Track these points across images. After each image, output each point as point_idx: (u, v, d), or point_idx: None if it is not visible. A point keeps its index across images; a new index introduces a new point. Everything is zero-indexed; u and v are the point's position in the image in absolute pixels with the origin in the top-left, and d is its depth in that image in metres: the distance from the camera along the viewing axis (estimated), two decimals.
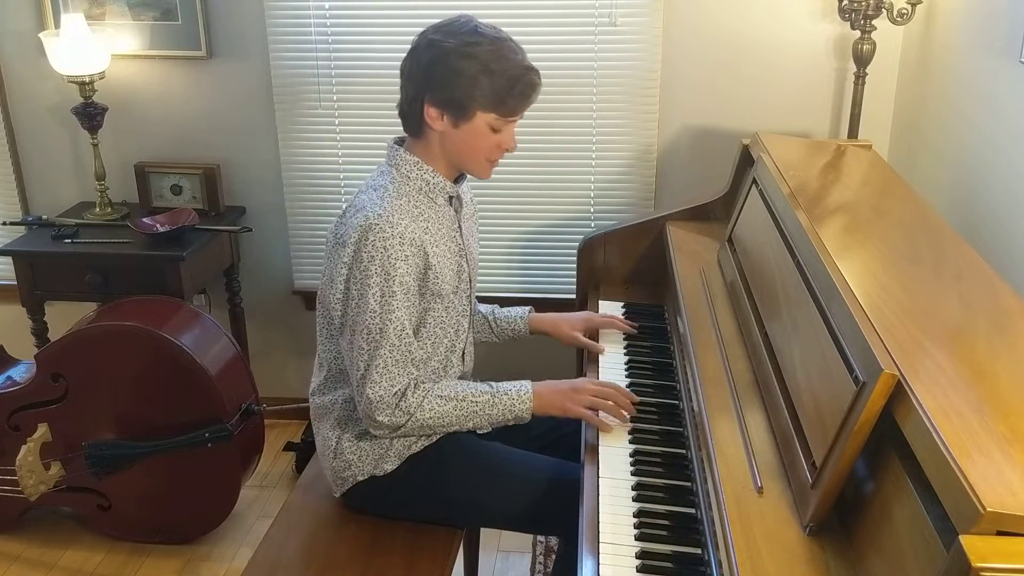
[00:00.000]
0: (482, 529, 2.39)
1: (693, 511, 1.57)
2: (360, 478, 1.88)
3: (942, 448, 1.07)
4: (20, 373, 2.68)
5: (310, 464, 2.12)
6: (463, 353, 1.96)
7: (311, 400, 1.95)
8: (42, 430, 2.54)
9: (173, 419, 2.52)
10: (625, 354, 2.10)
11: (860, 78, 2.61)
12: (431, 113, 1.74)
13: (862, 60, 2.58)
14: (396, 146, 1.83)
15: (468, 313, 1.95)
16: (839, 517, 1.32)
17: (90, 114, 2.87)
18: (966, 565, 0.94)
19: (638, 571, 1.44)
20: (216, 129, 3.02)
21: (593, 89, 2.83)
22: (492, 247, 3.03)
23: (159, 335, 2.47)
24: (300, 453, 3.02)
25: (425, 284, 1.78)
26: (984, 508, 0.97)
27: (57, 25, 2.86)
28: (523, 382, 1.85)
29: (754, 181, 2.14)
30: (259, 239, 3.13)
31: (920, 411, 1.14)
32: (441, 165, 1.82)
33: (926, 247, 1.75)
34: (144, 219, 2.89)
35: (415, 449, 1.87)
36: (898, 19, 2.50)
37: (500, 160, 1.85)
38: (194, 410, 2.51)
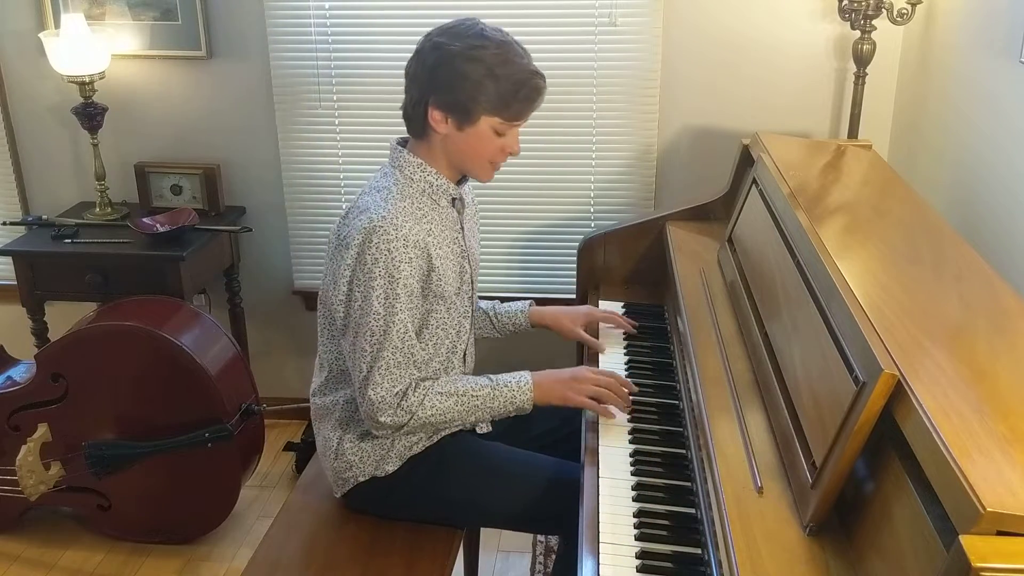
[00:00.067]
0: (482, 529, 2.39)
1: (693, 511, 1.57)
2: (361, 479, 1.88)
3: (942, 448, 1.07)
4: (20, 373, 2.69)
5: (310, 464, 2.12)
6: (464, 354, 1.96)
7: (312, 401, 1.95)
8: (42, 430, 2.54)
9: (173, 419, 2.52)
10: (625, 354, 2.10)
11: (860, 78, 2.61)
12: (435, 116, 1.74)
13: (862, 60, 2.58)
14: (399, 147, 1.83)
15: (470, 314, 1.95)
16: (839, 517, 1.32)
17: (90, 114, 2.87)
18: (966, 565, 0.94)
19: (638, 571, 1.44)
20: (216, 129, 3.02)
21: (593, 89, 2.83)
22: (493, 247, 3.03)
23: (159, 335, 2.47)
24: (300, 453, 3.02)
25: (428, 286, 1.78)
26: (984, 508, 0.97)
27: (57, 25, 2.86)
28: (522, 373, 1.85)
29: (754, 181, 2.14)
30: (259, 239, 3.13)
31: (920, 411, 1.14)
32: (444, 167, 1.82)
33: (926, 247, 1.75)
34: (144, 219, 2.89)
35: (416, 450, 1.87)
36: (898, 19, 2.50)
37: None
38: (194, 410, 2.51)
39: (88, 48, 2.76)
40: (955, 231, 1.81)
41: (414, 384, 1.78)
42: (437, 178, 1.81)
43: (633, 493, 1.62)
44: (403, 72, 1.80)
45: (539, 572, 2.61)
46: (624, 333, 2.18)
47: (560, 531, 1.91)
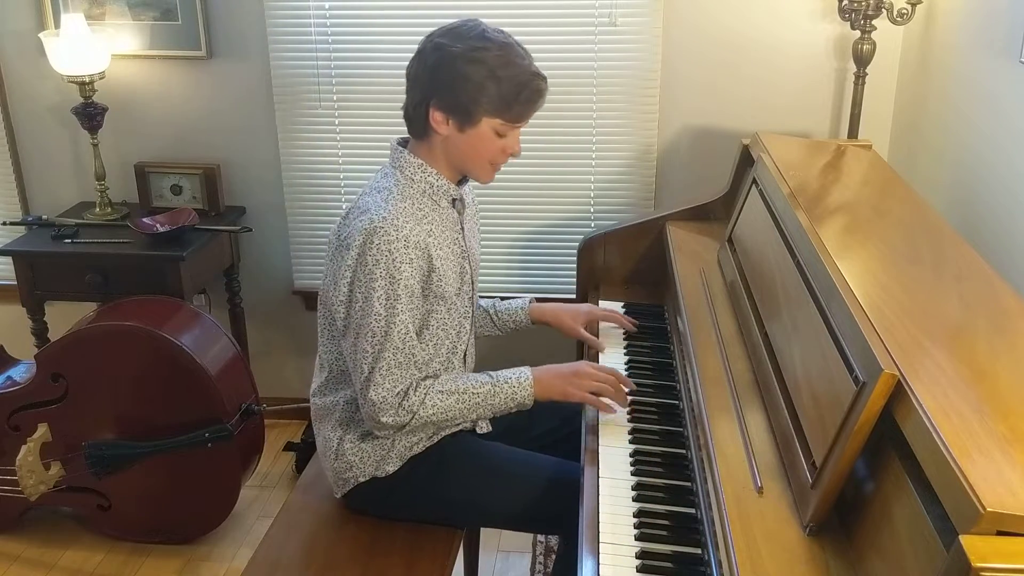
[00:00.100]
0: (482, 529, 2.39)
1: (693, 511, 1.57)
2: (361, 479, 1.88)
3: (942, 448, 1.07)
4: (20, 373, 2.69)
5: (310, 464, 2.12)
6: (464, 354, 1.96)
7: (312, 401, 1.95)
8: (42, 430, 2.54)
9: (173, 419, 2.52)
10: (625, 354, 2.10)
11: (860, 78, 2.61)
12: (436, 117, 1.74)
13: (862, 60, 2.58)
14: (400, 148, 1.83)
15: (470, 315, 1.95)
16: (839, 517, 1.32)
17: (90, 114, 2.87)
18: (966, 565, 0.94)
19: (638, 571, 1.44)
20: (216, 129, 3.02)
21: (593, 89, 2.83)
22: (493, 247, 3.03)
23: (159, 335, 2.47)
24: (300, 453, 3.02)
25: (428, 287, 1.78)
26: (984, 508, 0.97)
27: (57, 25, 2.86)
28: (522, 368, 1.85)
29: (754, 181, 2.14)
30: (259, 239, 3.13)
31: (920, 411, 1.14)
32: (444, 168, 1.82)
33: (926, 247, 1.75)
34: (144, 219, 2.89)
35: (416, 450, 1.87)
36: (898, 19, 2.50)
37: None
38: (194, 410, 2.51)
39: (88, 48, 2.76)
40: (955, 231, 1.81)
41: (415, 384, 1.78)
42: (437, 179, 1.81)
43: (633, 493, 1.62)
44: (403, 73, 1.80)
45: (539, 572, 2.61)
46: (624, 332, 2.18)
47: (560, 531, 1.91)
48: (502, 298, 2.20)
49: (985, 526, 0.97)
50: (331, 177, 3.02)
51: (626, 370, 2.03)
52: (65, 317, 2.92)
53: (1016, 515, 0.97)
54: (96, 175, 2.97)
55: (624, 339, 2.16)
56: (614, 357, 2.08)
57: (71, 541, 2.73)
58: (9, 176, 3.12)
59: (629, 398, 1.87)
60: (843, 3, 2.56)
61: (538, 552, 2.68)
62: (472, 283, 1.93)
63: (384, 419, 1.75)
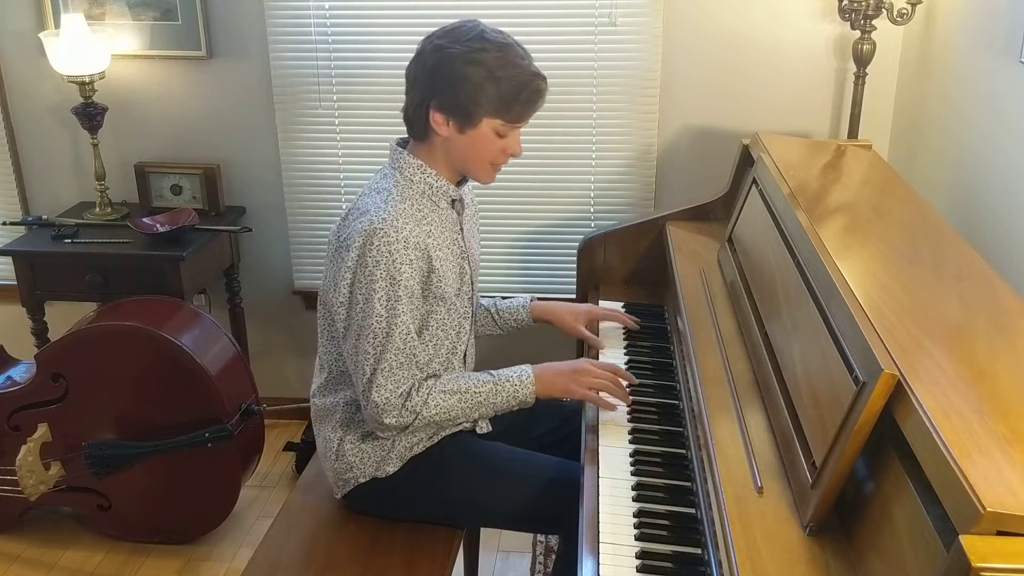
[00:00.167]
0: (482, 529, 2.39)
1: (693, 511, 1.57)
2: (362, 480, 1.88)
3: (942, 448, 1.07)
4: (20, 373, 2.69)
5: (310, 464, 2.12)
6: (464, 355, 1.96)
7: (312, 402, 1.95)
8: (42, 430, 2.54)
9: (173, 419, 2.52)
10: (625, 354, 2.10)
11: (860, 78, 2.61)
12: (436, 119, 1.74)
13: (862, 60, 2.58)
14: (399, 148, 1.83)
15: (470, 315, 1.95)
16: (839, 517, 1.32)
17: (90, 114, 2.87)
18: (966, 565, 0.94)
19: (638, 571, 1.44)
20: (216, 129, 3.02)
21: (593, 89, 2.83)
22: (493, 247, 3.03)
23: (159, 335, 2.47)
24: (300, 453, 3.02)
25: (428, 287, 1.78)
26: (984, 508, 0.97)
27: (57, 25, 2.86)
28: (523, 367, 1.85)
29: (754, 181, 2.14)
30: (259, 239, 3.13)
31: (920, 411, 1.14)
32: (444, 168, 1.82)
33: (926, 247, 1.75)
34: (144, 219, 2.89)
35: (417, 450, 1.87)
36: (898, 19, 2.50)
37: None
38: (194, 410, 2.51)
39: (88, 48, 2.76)
40: (955, 231, 1.81)
41: (417, 384, 1.78)
42: (437, 179, 1.81)
43: (633, 493, 1.62)
44: (403, 73, 1.80)
45: (539, 572, 2.61)
46: (624, 332, 2.18)
47: (560, 531, 1.91)
48: (503, 297, 2.20)
49: (985, 526, 0.97)
50: (331, 177, 3.02)
51: (626, 369, 2.02)
52: (65, 317, 2.92)
53: (1016, 515, 0.97)
54: (96, 175, 2.97)
55: (624, 339, 2.16)
56: (614, 356, 2.08)
57: (71, 541, 2.73)
58: (9, 176, 3.12)
59: (631, 397, 1.87)
60: (843, 3, 2.56)
61: (538, 552, 2.68)
62: (472, 283, 1.93)
63: (387, 420, 1.75)
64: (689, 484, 1.64)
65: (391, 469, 1.87)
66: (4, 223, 3.04)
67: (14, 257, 2.86)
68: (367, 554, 1.86)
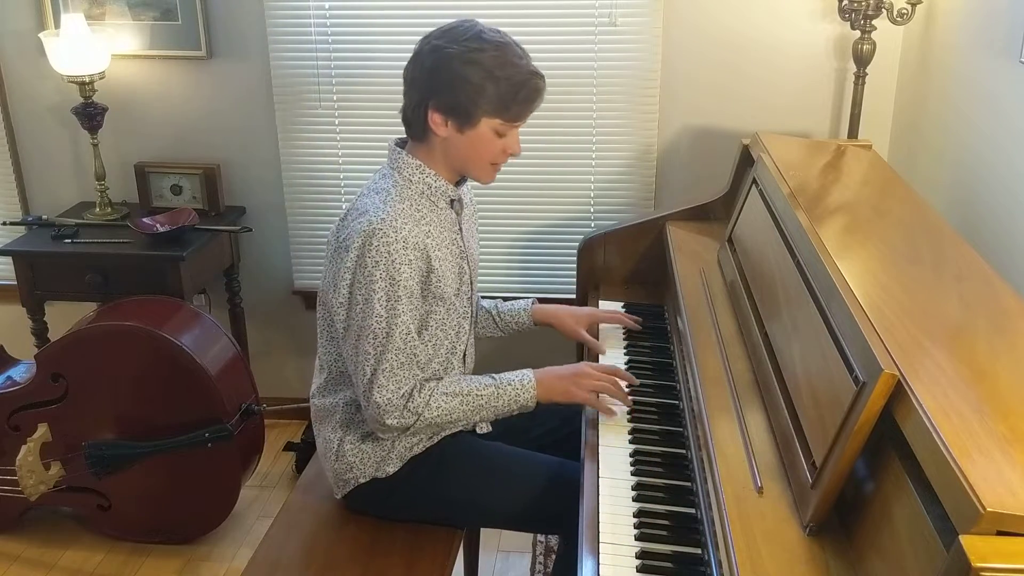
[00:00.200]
0: (482, 529, 2.39)
1: (693, 511, 1.57)
2: (362, 480, 1.88)
3: (942, 448, 1.07)
4: (20, 373, 2.69)
5: (310, 464, 2.12)
6: (464, 355, 1.96)
7: (312, 402, 1.95)
8: (42, 430, 2.54)
9: (173, 419, 2.52)
10: (625, 354, 2.10)
11: (860, 78, 2.61)
12: (435, 119, 1.74)
13: (862, 60, 2.58)
14: (398, 148, 1.83)
15: (469, 315, 1.95)
16: (839, 517, 1.32)
17: (90, 114, 2.87)
18: (966, 565, 0.94)
19: (638, 571, 1.44)
20: (216, 129, 3.02)
21: (593, 89, 2.83)
22: (492, 247, 3.03)
23: (159, 335, 2.47)
24: (300, 453, 3.02)
25: (427, 288, 1.78)
26: (984, 508, 0.97)
27: (57, 25, 2.86)
28: (524, 371, 1.85)
29: (754, 181, 2.14)
30: (259, 239, 3.13)
31: (920, 411, 1.14)
32: (443, 168, 1.82)
33: (926, 247, 1.75)
34: (144, 219, 2.89)
35: (417, 451, 1.87)
36: (898, 19, 2.50)
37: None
38: (194, 410, 2.51)
39: (88, 48, 2.76)
40: (955, 231, 1.81)
41: (419, 385, 1.78)
42: (436, 180, 1.81)
43: (633, 493, 1.62)
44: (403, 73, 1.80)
45: (539, 572, 2.61)
46: (624, 332, 2.18)
47: (560, 531, 1.91)
48: (504, 299, 2.20)
49: (985, 526, 0.97)
50: (331, 177, 3.02)
51: (626, 369, 2.02)
52: (65, 317, 2.92)
53: (1016, 515, 0.97)
54: (96, 175, 2.97)
55: (624, 339, 2.16)
56: (614, 357, 2.08)
57: (71, 541, 2.73)
58: (9, 176, 3.12)
59: (631, 397, 1.87)
60: (843, 3, 2.56)
61: (538, 552, 2.68)
62: (471, 283, 1.93)
63: (389, 421, 1.75)
64: (689, 484, 1.64)
65: (391, 469, 1.87)
66: (4, 223, 3.04)
67: (14, 257, 2.85)
68: (367, 554, 1.86)
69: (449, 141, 1.76)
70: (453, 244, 1.85)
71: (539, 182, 2.95)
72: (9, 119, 3.07)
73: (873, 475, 1.29)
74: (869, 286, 1.49)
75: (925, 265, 1.66)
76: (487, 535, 2.52)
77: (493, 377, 1.84)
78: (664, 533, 1.52)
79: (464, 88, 1.69)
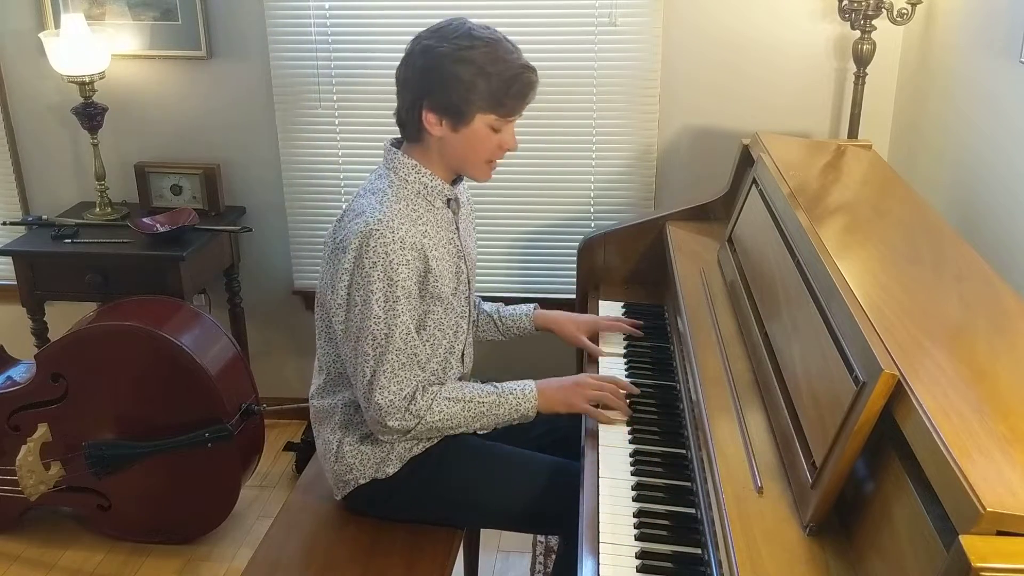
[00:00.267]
0: (482, 529, 2.39)
1: (693, 511, 1.57)
2: (362, 481, 1.88)
3: (942, 448, 1.07)
4: (20, 373, 2.69)
5: (310, 464, 2.12)
6: (462, 354, 1.96)
7: (311, 403, 1.95)
8: (42, 430, 2.54)
9: (173, 419, 2.52)
10: (625, 354, 2.10)
11: (860, 78, 2.61)
12: (430, 119, 1.74)
13: (862, 60, 2.58)
14: (393, 149, 1.83)
15: (467, 314, 1.95)
16: (839, 517, 1.32)
17: (90, 114, 2.87)
18: (966, 565, 0.94)
19: (638, 571, 1.44)
20: (216, 129, 3.02)
21: (593, 89, 2.83)
22: (492, 247, 3.03)
23: (159, 335, 2.47)
24: (300, 453, 3.02)
25: (425, 287, 1.78)
26: (984, 508, 0.97)
27: (57, 25, 2.86)
28: (526, 381, 1.85)
29: (754, 181, 2.14)
30: (259, 239, 3.13)
31: (920, 411, 1.14)
32: (439, 168, 1.82)
33: (926, 247, 1.75)
34: (144, 219, 2.89)
35: (416, 451, 1.87)
36: (898, 19, 2.50)
37: (500, 161, 1.85)
38: (194, 410, 2.51)
39: (88, 48, 2.76)
40: (955, 231, 1.81)
41: (422, 388, 1.78)
42: (432, 179, 1.81)
43: (633, 493, 1.62)
44: None
45: (539, 572, 2.61)
46: (625, 334, 2.18)
47: (560, 531, 1.91)
48: (504, 299, 2.20)
49: (985, 526, 0.97)
50: (331, 177, 3.02)
51: (626, 369, 2.03)
52: (65, 317, 2.92)
53: (1016, 515, 0.97)
54: (96, 175, 2.97)
55: (624, 339, 2.16)
56: (614, 357, 2.08)
57: (71, 541, 2.73)
58: (9, 176, 3.12)
59: (631, 402, 1.86)
60: (843, 3, 2.56)
61: (538, 552, 2.68)
62: (468, 283, 1.92)
63: (391, 423, 1.75)
64: (689, 484, 1.64)
65: (391, 470, 1.87)
66: (4, 223, 3.04)
67: (14, 257, 2.85)
68: (367, 554, 1.86)
69: (445, 140, 1.76)
70: (450, 244, 1.85)
71: (539, 182, 2.95)
72: (9, 119, 3.07)
73: (873, 475, 1.29)
74: (869, 286, 1.49)
75: (925, 265, 1.66)
76: (487, 535, 2.52)
77: (495, 385, 1.85)
78: (664, 533, 1.52)
79: (456, 86, 1.69)
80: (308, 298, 3.16)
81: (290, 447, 3.12)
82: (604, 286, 2.45)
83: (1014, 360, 1.30)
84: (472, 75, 1.69)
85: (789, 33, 2.73)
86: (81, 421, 2.55)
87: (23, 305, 2.91)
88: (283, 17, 2.86)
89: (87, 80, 2.81)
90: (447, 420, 1.79)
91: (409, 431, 1.77)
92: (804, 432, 1.40)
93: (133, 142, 3.05)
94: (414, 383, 1.76)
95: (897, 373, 1.21)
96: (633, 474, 1.67)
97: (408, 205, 1.77)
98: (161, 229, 2.84)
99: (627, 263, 2.47)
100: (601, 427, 1.80)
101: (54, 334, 2.85)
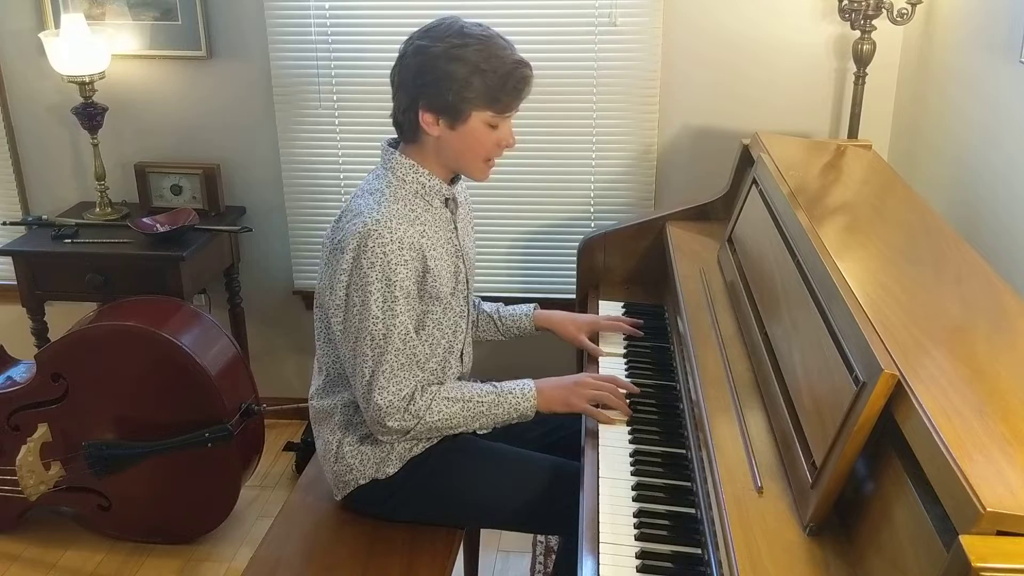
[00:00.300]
0: (482, 529, 2.39)
1: (693, 511, 1.57)
2: (362, 482, 1.88)
3: (942, 448, 1.07)
4: (20, 373, 2.69)
5: (310, 464, 2.12)
6: (461, 354, 1.96)
7: (310, 404, 1.95)
8: (42, 430, 2.54)
9: (173, 419, 2.52)
10: (625, 354, 2.10)
11: (860, 78, 2.61)
12: (427, 119, 1.74)
13: (862, 60, 2.58)
14: (391, 148, 1.83)
15: (466, 314, 1.95)
16: (839, 517, 1.32)
17: (90, 114, 2.87)
18: (966, 565, 0.94)
19: (638, 571, 1.44)
20: (216, 129, 3.02)
21: (593, 89, 2.83)
22: (492, 247, 3.03)
23: (159, 335, 2.47)
24: (300, 453, 3.02)
25: (423, 287, 1.78)
26: (984, 508, 0.97)
27: (57, 25, 2.86)
28: (525, 380, 1.85)
29: (754, 181, 2.14)
30: (259, 239, 3.13)
31: (920, 411, 1.14)
32: (437, 167, 1.82)
33: (926, 247, 1.75)
34: (144, 219, 2.89)
35: (416, 452, 1.87)
36: (898, 19, 2.50)
37: (499, 160, 1.85)
38: (194, 410, 2.51)
39: (88, 48, 2.76)
40: (955, 231, 1.81)
41: (420, 388, 1.78)
42: (429, 179, 1.81)
43: (633, 493, 1.62)
44: None
45: (539, 572, 2.61)
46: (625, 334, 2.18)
47: (560, 531, 1.91)
48: (504, 300, 2.20)
49: (985, 526, 0.97)
50: (331, 177, 3.02)
51: (626, 369, 2.03)
52: (65, 317, 2.92)
53: (1016, 515, 0.97)
54: (96, 175, 2.97)
55: (624, 339, 2.16)
56: (614, 357, 2.08)
57: (71, 541, 2.73)
58: (9, 176, 3.12)
59: (631, 402, 1.86)
60: (843, 3, 2.56)
61: (538, 552, 2.68)
62: (467, 282, 1.92)
63: (390, 423, 1.75)
64: (689, 484, 1.64)
65: (391, 471, 1.87)
66: (4, 223, 3.04)
67: (14, 257, 2.85)
68: (367, 554, 1.86)
69: (442, 140, 1.76)
70: (448, 243, 1.85)
71: (539, 182, 2.95)
72: (9, 119, 3.07)
73: (873, 475, 1.29)
74: (869, 286, 1.49)
75: (925, 265, 1.66)
76: (487, 535, 2.52)
77: (495, 385, 1.85)
78: (664, 533, 1.52)
79: (452, 85, 1.69)
80: (308, 298, 3.16)
81: (290, 447, 3.12)
82: (604, 286, 2.44)
83: (1014, 360, 1.30)
84: (467, 73, 1.69)
85: (789, 33, 2.73)
86: (81, 421, 2.55)
87: (23, 305, 2.91)
88: (283, 17, 2.86)
89: (87, 80, 2.81)
90: (446, 420, 1.79)
91: (409, 431, 1.77)
92: (804, 432, 1.40)
93: (133, 142, 3.05)
94: (413, 383, 1.76)
95: (897, 373, 1.21)
96: (633, 474, 1.67)
97: (406, 205, 1.77)
98: (161, 229, 2.84)
99: (627, 263, 2.47)
100: (601, 427, 1.80)
101: (54, 334, 2.85)
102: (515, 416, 1.83)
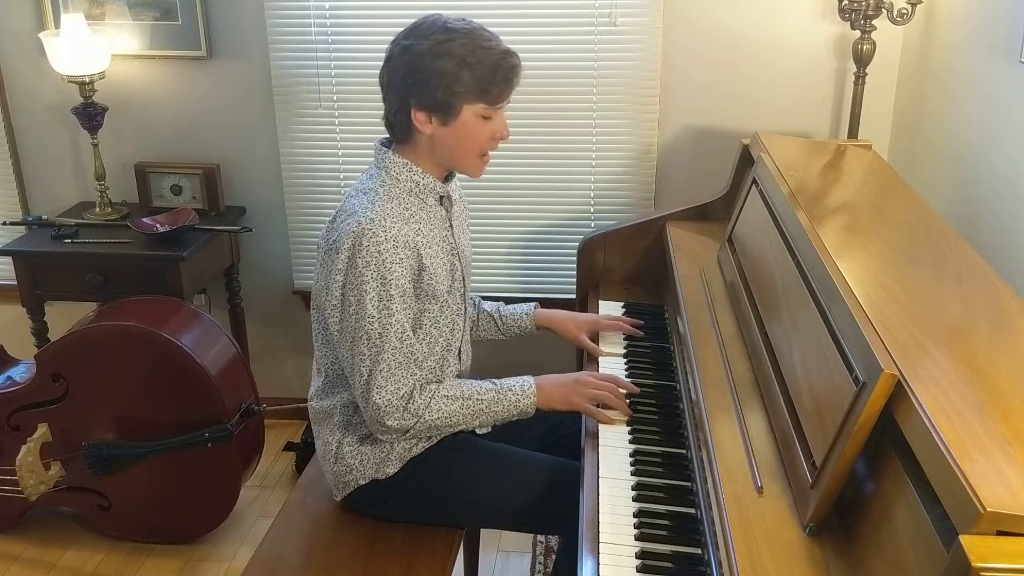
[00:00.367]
0: (482, 529, 2.39)
1: (693, 511, 1.57)
2: (362, 482, 1.88)
3: (942, 448, 1.07)
4: (20, 373, 2.69)
5: (310, 464, 2.12)
6: (459, 352, 1.96)
7: (310, 404, 1.95)
8: (42, 430, 2.54)
9: (173, 419, 2.52)
10: (625, 354, 2.10)
11: (860, 78, 2.61)
12: (419, 117, 1.74)
13: (862, 60, 2.58)
14: (384, 148, 1.83)
15: (463, 312, 1.95)
16: (839, 517, 1.32)
17: (90, 114, 2.87)
18: (966, 565, 0.94)
19: (638, 571, 1.44)
20: (216, 129, 3.02)
21: (593, 89, 2.83)
22: (492, 247, 3.03)
23: (159, 335, 2.47)
24: (300, 453, 3.02)
25: (420, 286, 1.78)
26: (984, 508, 0.97)
27: (57, 25, 2.86)
28: (525, 377, 1.85)
29: (754, 181, 2.14)
30: (259, 239, 3.13)
31: (920, 411, 1.14)
32: (431, 165, 1.82)
33: (926, 247, 1.75)
34: (144, 219, 2.89)
35: (416, 452, 1.87)
36: (898, 19, 2.50)
37: (497, 156, 1.84)
38: (194, 410, 2.51)
39: (88, 48, 2.76)
40: (955, 231, 1.81)
41: (419, 387, 1.78)
42: (423, 177, 1.81)
43: (633, 493, 1.62)
44: None
45: (539, 572, 2.61)
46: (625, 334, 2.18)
47: (560, 530, 1.91)
48: (504, 299, 2.20)
49: (985, 526, 0.97)
50: (331, 177, 3.02)
51: (626, 369, 2.03)
52: (65, 317, 2.92)
53: (1016, 515, 0.97)
54: (96, 175, 2.97)
55: (624, 339, 2.16)
56: (614, 357, 2.08)
57: (71, 541, 2.73)
58: (9, 176, 3.12)
59: (631, 401, 1.86)
60: (843, 3, 2.56)
61: (538, 552, 2.68)
62: (463, 280, 1.92)
63: (390, 422, 1.75)
64: (689, 484, 1.64)
65: (391, 471, 1.87)
66: (4, 223, 3.04)
67: (14, 257, 2.85)
68: (367, 554, 1.86)
69: (436, 137, 1.76)
70: (444, 241, 1.85)
71: (539, 182, 2.95)
72: (9, 119, 3.07)
73: (873, 475, 1.29)
74: (869, 286, 1.49)
75: (925, 265, 1.66)
76: (487, 535, 2.52)
77: (494, 382, 1.84)
78: (664, 533, 1.52)
79: (441, 81, 1.69)
80: (308, 298, 3.15)
81: (290, 447, 3.12)
82: (604, 286, 2.44)
83: (1014, 360, 1.30)
84: (455, 67, 1.69)
85: (789, 33, 2.73)
86: (81, 421, 2.55)
87: (23, 305, 2.91)
88: (283, 17, 2.86)
89: (87, 80, 2.81)
90: (446, 418, 1.79)
91: (408, 430, 1.77)
92: (804, 432, 1.40)
93: (133, 142, 3.05)
94: (411, 382, 1.76)
95: (897, 373, 1.21)
96: (633, 474, 1.67)
97: (400, 204, 1.77)
98: (161, 229, 2.84)
99: (627, 263, 2.47)
100: (601, 427, 1.80)
101: (54, 334, 2.85)
102: (515, 413, 1.83)
